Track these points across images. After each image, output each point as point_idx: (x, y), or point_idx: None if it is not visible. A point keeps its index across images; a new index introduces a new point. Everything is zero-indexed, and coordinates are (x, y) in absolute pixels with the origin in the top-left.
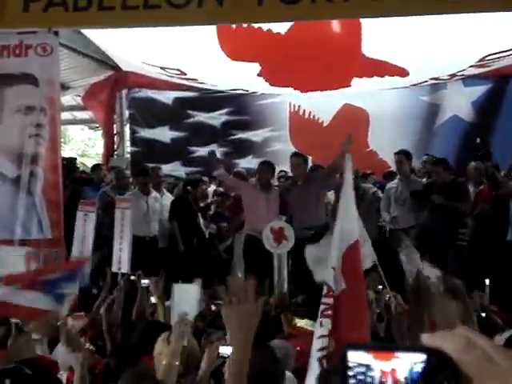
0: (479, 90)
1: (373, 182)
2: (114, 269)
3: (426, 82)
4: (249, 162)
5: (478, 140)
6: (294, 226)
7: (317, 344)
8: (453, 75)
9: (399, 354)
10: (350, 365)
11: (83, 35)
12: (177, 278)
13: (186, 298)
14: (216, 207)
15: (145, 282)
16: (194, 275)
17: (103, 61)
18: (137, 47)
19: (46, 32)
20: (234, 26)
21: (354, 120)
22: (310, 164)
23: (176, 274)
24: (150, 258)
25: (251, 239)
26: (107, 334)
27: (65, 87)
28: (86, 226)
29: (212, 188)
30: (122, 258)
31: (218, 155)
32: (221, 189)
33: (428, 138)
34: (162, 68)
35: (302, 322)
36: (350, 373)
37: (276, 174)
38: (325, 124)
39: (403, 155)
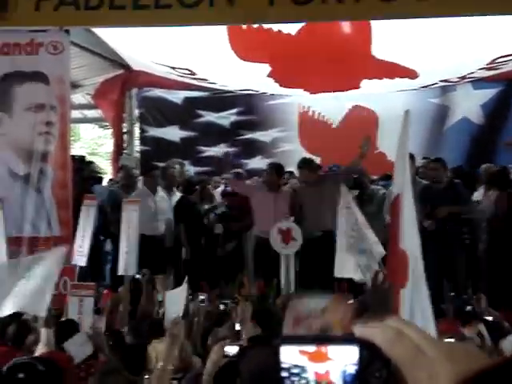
0: (489, 93)
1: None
2: (121, 272)
3: (435, 84)
4: (257, 163)
5: None
6: (307, 228)
7: None
8: (462, 77)
9: (333, 355)
10: (285, 366)
11: (94, 34)
12: (183, 278)
13: (176, 301)
14: (223, 207)
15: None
16: (201, 276)
17: (114, 59)
18: (147, 46)
19: (57, 30)
20: (244, 26)
21: (363, 122)
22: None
23: (182, 274)
24: (157, 257)
25: (260, 240)
26: (107, 334)
27: (75, 85)
28: (87, 220)
29: (220, 188)
30: (128, 261)
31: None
32: (228, 189)
33: (437, 140)
34: (172, 68)
35: None
36: (285, 374)
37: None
38: (334, 125)
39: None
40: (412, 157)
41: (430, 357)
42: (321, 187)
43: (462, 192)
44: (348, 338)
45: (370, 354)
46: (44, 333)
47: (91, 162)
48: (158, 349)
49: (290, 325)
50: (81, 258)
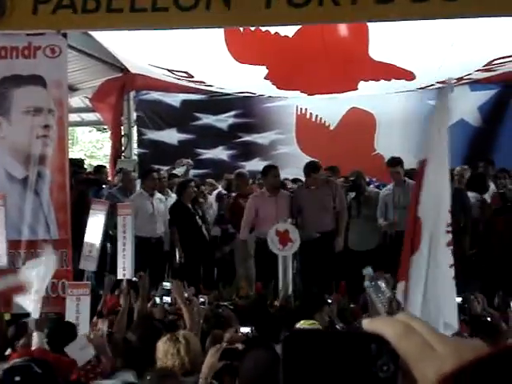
0: (485, 95)
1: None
2: (119, 276)
3: (432, 85)
4: (255, 165)
5: None
6: (307, 230)
7: None
8: (459, 79)
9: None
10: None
11: (91, 37)
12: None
13: None
14: (219, 210)
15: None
16: (197, 279)
17: (111, 63)
18: (144, 49)
19: (54, 34)
20: (241, 29)
21: (360, 123)
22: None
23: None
24: (155, 259)
25: (261, 242)
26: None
27: (73, 89)
28: (96, 224)
29: (216, 191)
30: (125, 265)
31: (225, 157)
32: (223, 191)
33: None
34: (169, 70)
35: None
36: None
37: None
38: (331, 127)
39: (399, 166)
40: (402, 162)
41: (438, 352)
42: (318, 189)
43: (466, 200)
44: (358, 332)
45: (379, 348)
46: (36, 336)
47: (103, 167)
48: (160, 348)
49: None
50: (90, 264)
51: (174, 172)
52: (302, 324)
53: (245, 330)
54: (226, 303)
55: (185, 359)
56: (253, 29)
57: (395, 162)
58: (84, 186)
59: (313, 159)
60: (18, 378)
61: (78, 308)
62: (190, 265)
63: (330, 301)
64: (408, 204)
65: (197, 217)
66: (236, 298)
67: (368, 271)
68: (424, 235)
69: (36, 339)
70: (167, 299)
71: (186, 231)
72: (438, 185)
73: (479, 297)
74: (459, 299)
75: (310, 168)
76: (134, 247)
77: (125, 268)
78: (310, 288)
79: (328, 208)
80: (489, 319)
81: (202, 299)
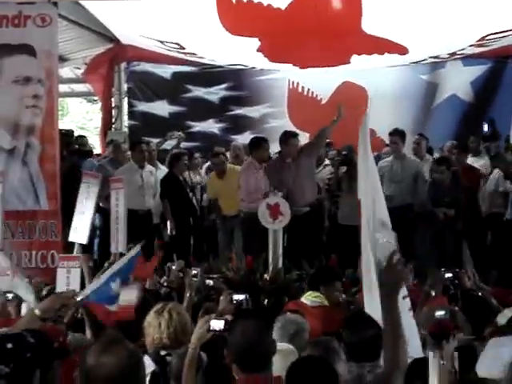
0: (478, 70)
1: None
2: (113, 249)
3: (425, 60)
4: (246, 138)
5: (486, 127)
6: (290, 203)
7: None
8: (452, 54)
9: None
10: None
11: (82, 7)
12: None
13: None
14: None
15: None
16: (187, 251)
17: (102, 33)
18: (136, 20)
19: (45, 2)
20: (233, 0)
21: (352, 98)
22: None
23: (170, 250)
24: (143, 232)
25: (249, 215)
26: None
27: (63, 59)
28: (88, 197)
29: (206, 164)
30: (118, 238)
31: (216, 130)
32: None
33: (426, 117)
34: (160, 42)
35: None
36: None
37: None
38: (323, 101)
39: (398, 136)
40: (403, 135)
41: None
42: (299, 162)
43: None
44: None
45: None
46: (25, 306)
47: (83, 136)
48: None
49: None
50: (80, 236)
51: (164, 146)
52: (308, 296)
53: (239, 297)
54: (215, 276)
55: (163, 334)
56: (245, 0)
57: (395, 131)
58: (76, 157)
59: (303, 132)
60: (10, 345)
61: (68, 280)
62: (180, 237)
63: None
64: (405, 178)
65: (188, 189)
66: (226, 270)
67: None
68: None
69: (25, 309)
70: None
71: (177, 203)
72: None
73: (470, 272)
74: (449, 275)
75: (288, 135)
76: (126, 221)
77: (118, 241)
78: (299, 262)
79: (311, 178)
80: (480, 294)
81: (194, 271)
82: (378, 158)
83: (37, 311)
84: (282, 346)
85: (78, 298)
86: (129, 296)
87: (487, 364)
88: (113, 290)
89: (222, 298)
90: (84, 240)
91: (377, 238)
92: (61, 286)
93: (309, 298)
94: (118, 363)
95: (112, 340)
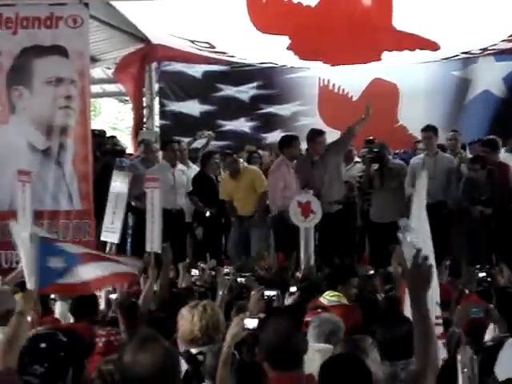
0: (511, 65)
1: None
2: (148, 248)
3: (457, 56)
4: (277, 137)
5: None
6: (321, 200)
7: None
8: (484, 49)
9: None
10: None
11: (113, 8)
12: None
13: None
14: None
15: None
16: (219, 250)
17: (133, 33)
18: (166, 20)
19: (76, 4)
20: None
21: (383, 95)
22: None
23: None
24: (176, 231)
25: (281, 213)
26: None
27: (94, 60)
28: (119, 196)
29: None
30: (153, 238)
31: (247, 129)
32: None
33: (458, 113)
34: (191, 41)
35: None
36: None
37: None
38: (354, 98)
39: (431, 132)
40: (436, 131)
41: None
42: (327, 160)
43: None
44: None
45: None
46: (59, 306)
47: (113, 137)
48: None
49: None
50: (113, 235)
51: (194, 146)
52: (326, 295)
53: (270, 293)
54: (247, 274)
55: (195, 327)
56: None
57: (428, 127)
58: (109, 156)
59: (335, 131)
60: (43, 345)
61: None
62: (212, 236)
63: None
64: (438, 175)
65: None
66: (258, 269)
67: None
68: None
69: (59, 309)
70: (195, 272)
71: (208, 202)
72: None
73: (504, 269)
74: (483, 274)
75: (314, 132)
76: (161, 220)
77: (153, 241)
78: (331, 260)
79: (338, 175)
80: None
81: (226, 270)
82: (411, 155)
83: (21, 310)
84: (320, 345)
85: (31, 288)
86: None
87: (507, 366)
88: (55, 267)
89: (252, 293)
90: (116, 239)
91: (404, 237)
92: None
93: (327, 298)
94: (154, 361)
95: (148, 337)
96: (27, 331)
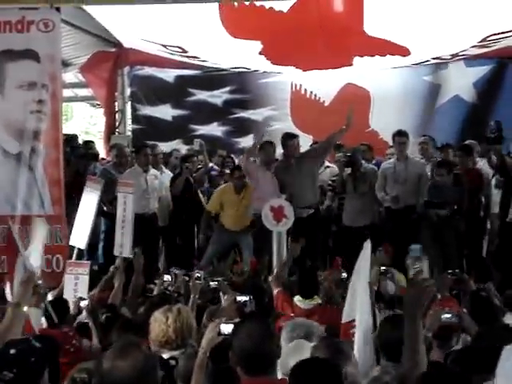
0: (481, 71)
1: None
2: (116, 253)
3: (427, 61)
4: (249, 141)
5: (493, 123)
6: (293, 205)
7: None
8: (454, 55)
9: None
10: None
11: (85, 12)
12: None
13: None
14: (210, 185)
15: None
16: (191, 253)
17: (105, 38)
18: (138, 24)
19: (48, 8)
20: (235, 3)
21: (355, 100)
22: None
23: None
24: (148, 236)
25: (255, 217)
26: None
27: (66, 64)
28: (89, 201)
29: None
30: (123, 242)
31: (219, 134)
32: (216, 167)
33: (429, 118)
34: (163, 45)
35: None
36: None
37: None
38: (326, 103)
39: (405, 137)
40: (407, 135)
41: None
42: (302, 165)
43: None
44: None
45: None
46: (32, 312)
47: (91, 142)
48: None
49: None
50: (80, 240)
51: (165, 150)
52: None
53: (242, 298)
54: (220, 278)
55: (170, 328)
56: (247, 3)
57: (402, 133)
58: (83, 161)
59: (307, 135)
60: (13, 351)
61: (76, 287)
62: (185, 240)
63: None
64: (408, 180)
65: (198, 190)
66: (230, 273)
67: (415, 248)
68: None
69: (33, 316)
70: (167, 277)
71: (183, 205)
72: None
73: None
74: (454, 277)
75: (286, 136)
76: (133, 225)
77: (122, 245)
78: (303, 264)
79: (313, 181)
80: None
81: (197, 274)
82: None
83: (17, 302)
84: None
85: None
86: None
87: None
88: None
89: (225, 297)
90: (83, 245)
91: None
92: (68, 292)
93: (302, 301)
94: (134, 367)
95: (128, 344)
96: (22, 323)
